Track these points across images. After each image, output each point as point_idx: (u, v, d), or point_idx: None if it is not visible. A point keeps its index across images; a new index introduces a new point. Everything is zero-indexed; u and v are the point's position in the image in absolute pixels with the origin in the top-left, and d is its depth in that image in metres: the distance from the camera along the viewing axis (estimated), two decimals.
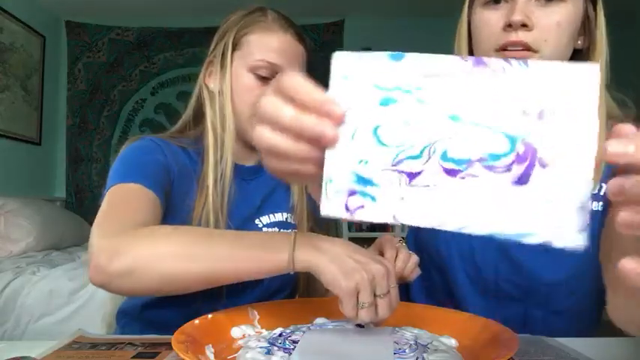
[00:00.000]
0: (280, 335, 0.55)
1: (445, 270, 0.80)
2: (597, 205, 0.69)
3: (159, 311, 0.81)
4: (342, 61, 0.35)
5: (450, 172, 0.32)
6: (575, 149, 0.31)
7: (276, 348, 0.51)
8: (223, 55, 0.84)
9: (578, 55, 0.71)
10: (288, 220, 0.90)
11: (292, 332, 0.56)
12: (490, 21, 0.68)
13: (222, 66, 0.84)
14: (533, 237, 0.32)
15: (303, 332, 0.56)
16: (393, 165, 0.33)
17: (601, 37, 0.69)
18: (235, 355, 0.50)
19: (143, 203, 0.69)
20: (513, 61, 0.32)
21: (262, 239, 0.60)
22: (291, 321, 0.60)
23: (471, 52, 0.74)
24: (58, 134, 3.59)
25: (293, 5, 3.61)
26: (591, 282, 0.65)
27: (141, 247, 0.58)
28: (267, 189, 0.91)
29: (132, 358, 0.54)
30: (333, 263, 0.54)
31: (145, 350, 0.57)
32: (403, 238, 0.86)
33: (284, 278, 0.86)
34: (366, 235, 3.53)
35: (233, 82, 0.84)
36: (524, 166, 0.32)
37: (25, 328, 1.89)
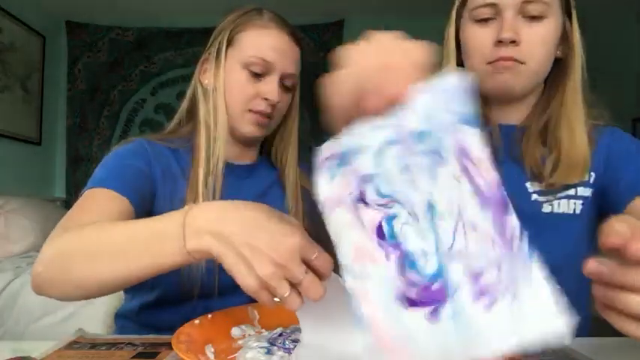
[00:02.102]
0: (280, 335, 0.55)
1: None
2: (587, 191, 0.76)
3: (155, 313, 0.81)
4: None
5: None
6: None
7: (276, 348, 0.51)
8: (218, 52, 0.85)
9: (558, 63, 0.78)
10: None
11: (292, 332, 0.56)
12: (481, 37, 0.74)
13: (217, 63, 0.85)
14: (523, 342, 0.33)
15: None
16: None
17: (577, 46, 0.77)
18: (235, 355, 0.50)
19: (109, 208, 0.68)
20: None
21: (153, 227, 0.52)
22: (291, 321, 0.60)
23: (460, 63, 0.79)
24: (58, 134, 3.58)
25: (293, 5, 3.63)
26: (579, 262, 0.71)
27: (48, 255, 0.56)
28: (261, 188, 0.91)
29: (132, 358, 0.54)
30: (231, 254, 0.45)
31: (145, 350, 0.57)
32: None
33: None
34: None
35: (226, 78, 0.84)
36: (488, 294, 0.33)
37: (25, 328, 1.89)
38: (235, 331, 0.58)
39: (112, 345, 0.59)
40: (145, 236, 0.52)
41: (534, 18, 0.71)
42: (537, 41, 0.72)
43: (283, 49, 0.85)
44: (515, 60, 0.71)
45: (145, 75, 3.67)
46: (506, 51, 0.71)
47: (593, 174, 0.77)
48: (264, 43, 0.83)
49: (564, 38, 0.76)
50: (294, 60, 0.87)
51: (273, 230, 0.45)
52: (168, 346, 0.58)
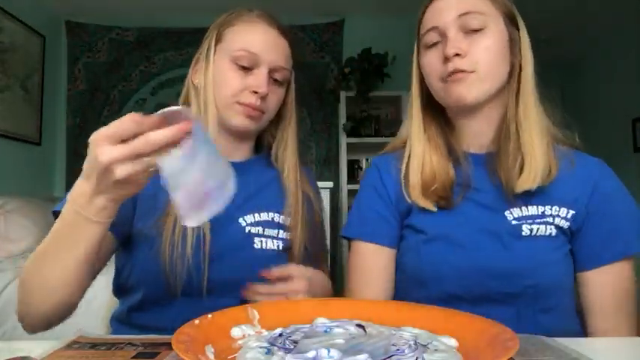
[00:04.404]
0: (280, 335, 0.55)
1: (431, 286, 0.80)
2: (564, 223, 0.78)
3: (144, 315, 0.82)
4: None
5: None
6: None
7: (276, 348, 0.51)
8: (208, 49, 0.86)
9: (514, 71, 0.82)
10: (275, 220, 0.89)
11: (292, 332, 0.56)
12: (432, 59, 0.81)
13: (207, 60, 0.86)
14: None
15: (304, 332, 0.56)
16: None
17: (526, 55, 0.81)
18: (235, 355, 0.50)
19: None
20: None
21: (62, 226, 0.63)
22: (291, 321, 0.60)
23: (423, 89, 0.86)
24: (58, 134, 3.59)
25: (293, 5, 3.62)
26: (568, 280, 0.79)
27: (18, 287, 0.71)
28: (253, 187, 0.90)
29: (132, 358, 0.54)
30: (112, 188, 0.56)
31: (145, 350, 0.57)
32: None
33: (264, 282, 0.86)
34: None
35: (215, 74, 0.85)
36: None
37: None
38: (235, 331, 0.58)
39: (112, 345, 0.59)
40: (64, 233, 0.62)
41: (475, 31, 0.78)
42: (481, 50, 0.77)
43: (270, 42, 0.85)
44: (464, 71, 0.77)
45: (144, 75, 3.67)
46: (454, 65, 0.77)
47: (571, 211, 0.78)
48: (251, 37, 0.84)
49: (515, 48, 0.81)
50: (283, 53, 0.87)
51: (91, 158, 0.54)
52: (168, 346, 0.58)
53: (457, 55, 0.77)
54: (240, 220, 0.86)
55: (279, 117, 0.93)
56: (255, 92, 0.83)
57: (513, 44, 0.81)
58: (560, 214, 0.78)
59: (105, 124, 0.52)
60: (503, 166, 0.79)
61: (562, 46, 3.93)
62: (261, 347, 0.50)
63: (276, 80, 0.86)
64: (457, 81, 0.77)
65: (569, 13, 3.39)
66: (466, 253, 0.78)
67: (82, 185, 0.58)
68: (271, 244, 0.86)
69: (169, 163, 0.53)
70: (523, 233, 0.77)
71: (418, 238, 0.82)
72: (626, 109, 3.52)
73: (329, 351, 0.46)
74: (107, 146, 0.52)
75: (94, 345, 0.59)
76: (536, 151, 0.77)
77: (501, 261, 0.76)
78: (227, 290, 0.81)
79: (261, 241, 0.85)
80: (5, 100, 2.98)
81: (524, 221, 0.78)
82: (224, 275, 0.81)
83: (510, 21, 0.81)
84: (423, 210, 0.82)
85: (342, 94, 3.43)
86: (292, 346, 0.51)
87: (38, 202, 2.82)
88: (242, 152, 0.93)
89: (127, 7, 3.49)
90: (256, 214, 0.87)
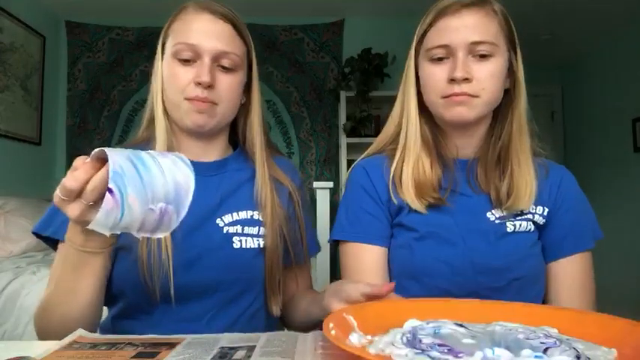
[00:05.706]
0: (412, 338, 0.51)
1: (424, 281, 0.82)
2: (540, 220, 0.85)
3: (127, 322, 0.81)
4: None
5: None
6: None
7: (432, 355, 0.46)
8: (156, 54, 0.85)
9: (507, 92, 0.86)
10: (254, 218, 0.87)
11: (416, 333, 0.52)
12: (436, 75, 0.82)
13: (155, 65, 0.85)
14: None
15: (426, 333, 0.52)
16: None
17: (521, 78, 0.85)
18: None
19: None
20: None
21: (67, 264, 0.69)
22: (389, 325, 0.55)
23: (419, 95, 0.87)
24: (58, 134, 3.59)
25: (293, 5, 3.62)
26: (543, 272, 0.86)
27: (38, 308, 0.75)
28: (230, 186, 0.89)
29: (132, 358, 0.54)
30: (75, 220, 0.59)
31: (145, 350, 0.57)
32: None
33: (247, 282, 0.85)
34: None
35: (164, 76, 0.83)
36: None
37: (25, 328, 1.89)
38: (354, 338, 0.51)
39: (112, 345, 0.59)
40: (73, 274, 0.68)
41: (483, 57, 0.79)
42: (487, 77, 0.79)
43: (208, 29, 0.82)
44: (469, 95, 0.79)
45: (145, 75, 3.66)
46: (460, 88, 0.79)
47: (546, 209, 0.86)
48: (188, 29, 0.82)
49: (510, 70, 0.85)
50: (226, 37, 0.83)
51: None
52: (168, 346, 0.58)
53: (465, 79, 0.78)
54: (218, 220, 0.84)
55: (247, 105, 0.90)
56: (199, 84, 0.80)
57: (510, 65, 0.84)
58: (537, 211, 0.85)
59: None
60: (488, 177, 0.85)
61: (562, 46, 3.93)
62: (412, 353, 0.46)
63: (224, 67, 0.83)
64: (460, 103, 0.80)
65: (569, 13, 3.39)
66: (458, 250, 0.81)
67: (73, 228, 0.63)
68: (251, 243, 0.84)
69: (99, 225, 0.53)
70: (508, 230, 0.83)
71: (409, 235, 0.84)
72: (626, 109, 3.52)
73: (493, 351, 0.44)
74: (69, 205, 0.56)
75: (94, 345, 0.59)
76: (532, 175, 0.84)
77: (490, 257, 0.81)
78: (209, 292, 0.81)
79: (241, 241, 0.84)
80: (5, 100, 2.98)
81: (506, 220, 0.84)
82: (204, 277, 0.80)
83: (511, 44, 0.84)
84: (414, 209, 0.84)
85: (342, 94, 3.43)
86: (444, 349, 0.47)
87: (38, 203, 2.82)
88: (215, 151, 0.90)
89: (127, 7, 3.49)
90: (234, 214, 0.86)
